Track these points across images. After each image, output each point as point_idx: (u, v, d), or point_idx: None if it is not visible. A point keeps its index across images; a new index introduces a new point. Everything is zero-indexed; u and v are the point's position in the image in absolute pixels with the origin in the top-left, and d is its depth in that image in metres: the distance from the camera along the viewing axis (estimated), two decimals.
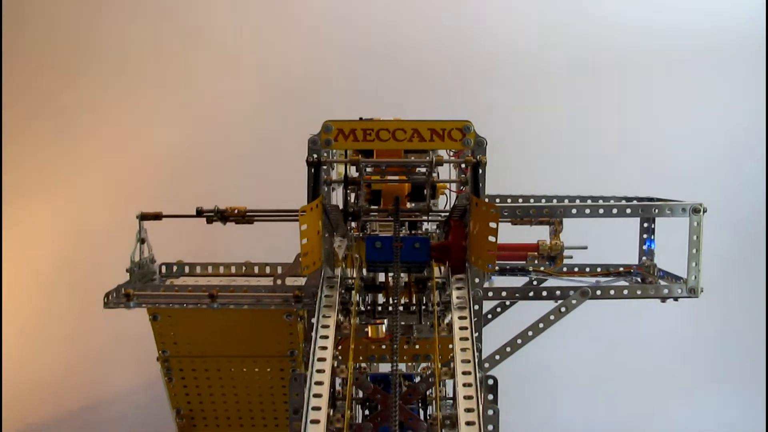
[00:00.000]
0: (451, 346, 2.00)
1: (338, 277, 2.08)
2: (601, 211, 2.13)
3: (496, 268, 1.96)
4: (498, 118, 4.23)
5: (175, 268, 2.59)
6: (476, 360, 1.78)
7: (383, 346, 2.23)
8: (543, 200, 2.60)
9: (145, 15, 4.43)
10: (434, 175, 2.25)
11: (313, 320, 1.93)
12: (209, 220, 2.35)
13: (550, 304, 2.18)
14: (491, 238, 1.86)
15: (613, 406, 4.42)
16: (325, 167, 2.07)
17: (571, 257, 2.30)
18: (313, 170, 2.01)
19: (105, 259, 3.69)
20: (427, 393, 2.37)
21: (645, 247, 2.47)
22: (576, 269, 2.55)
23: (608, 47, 4.42)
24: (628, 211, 2.14)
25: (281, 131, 4.24)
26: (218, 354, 2.39)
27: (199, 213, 2.35)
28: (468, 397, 1.69)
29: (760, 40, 4.39)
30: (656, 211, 2.14)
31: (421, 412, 2.63)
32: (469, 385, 1.73)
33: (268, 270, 2.61)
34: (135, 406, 4.38)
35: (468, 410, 1.67)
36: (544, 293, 2.17)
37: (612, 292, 2.17)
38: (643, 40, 4.42)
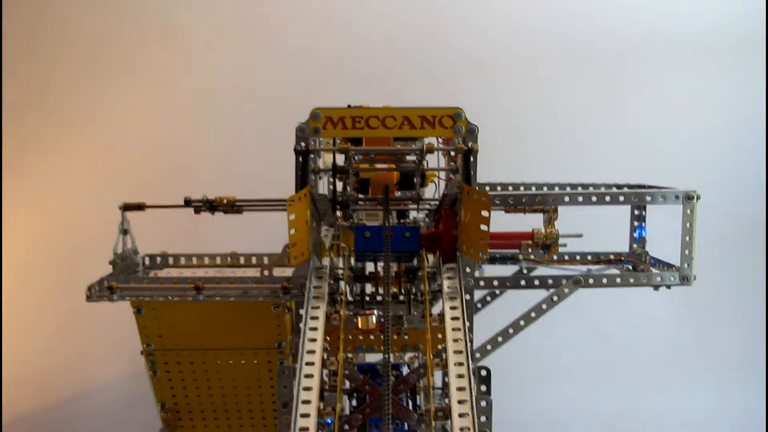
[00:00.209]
0: (440, 335, 1.98)
1: (327, 268, 2.05)
2: (593, 199, 2.11)
3: (488, 257, 1.92)
4: (488, 105, 4.18)
5: (158, 259, 2.55)
6: (469, 351, 1.75)
7: (372, 336, 2.20)
8: (533, 188, 2.57)
9: (128, 3, 4.35)
10: (423, 163, 2.22)
11: (302, 312, 1.89)
12: (197, 210, 2.31)
13: (542, 293, 2.16)
14: (483, 227, 1.83)
15: (602, 394, 4.42)
16: (312, 156, 2.02)
17: (565, 245, 2.27)
18: (301, 159, 1.97)
19: (88, 250, 3.64)
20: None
21: (636, 235, 2.46)
22: (566, 257, 2.52)
23: (600, 34, 4.37)
24: (621, 198, 2.13)
25: (268, 120, 4.17)
26: (204, 347, 2.34)
27: (188, 203, 2.30)
28: (461, 389, 1.67)
29: (754, 26, 4.37)
30: (649, 198, 2.12)
31: (410, 402, 2.61)
32: (462, 376, 1.70)
33: (254, 261, 2.57)
34: (119, 398, 4.33)
35: (461, 402, 1.64)
36: (536, 282, 2.15)
37: (604, 280, 2.15)
38: (636, 27, 4.38)
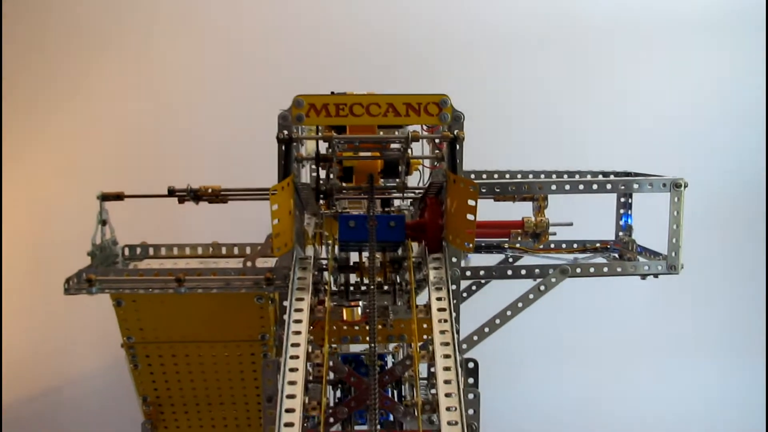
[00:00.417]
0: (425, 325, 1.95)
1: (311, 259, 2.01)
2: (581, 187, 2.08)
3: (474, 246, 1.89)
4: (472, 92, 4.15)
5: (138, 250, 2.49)
6: (456, 343, 1.72)
7: (356, 327, 2.16)
8: (519, 176, 2.55)
9: None
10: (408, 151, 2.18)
11: (286, 303, 1.86)
12: (181, 200, 2.25)
13: (528, 283, 2.13)
14: (470, 217, 1.80)
15: (580, 381, 4.43)
16: (295, 144, 1.98)
17: (554, 234, 2.25)
18: (284, 147, 1.93)
19: (66, 241, 3.57)
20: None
21: (622, 223, 2.44)
22: (552, 245, 2.50)
23: (589, 16, 4.35)
24: (609, 186, 2.10)
25: (249, 107, 4.11)
26: (186, 339, 2.30)
27: (171, 192, 2.25)
28: (448, 382, 1.64)
29: (752, 6, 4.35)
30: (637, 186, 2.10)
31: (395, 393, 2.59)
32: (449, 369, 1.68)
33: (236, 251, 2.53)
34: (100, 391, 4.28)
35: (448, 395, 1.61)
36: (523, 272, 2.13)
37: (592, 269, 2.13)
38: (622, 10, 4.35)
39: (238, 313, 2.24)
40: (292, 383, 1.65)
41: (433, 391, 1.90)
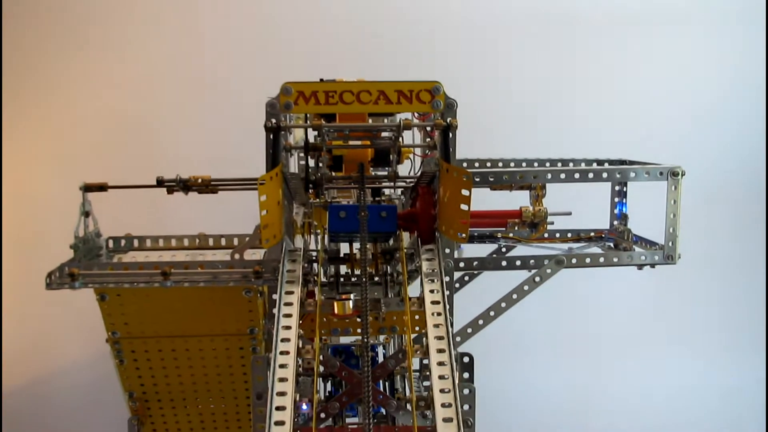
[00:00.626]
0: (417, 317, 1.90)
1: (300, 250, 1.96)
2: (576, 175, 2.04)
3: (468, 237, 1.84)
4: (466, 79, 4.09)
5: (123, 242, 2.43)
6: (450, 337, 1.68)
7: (347, 320, 2.11)
8: (513, 164, 2.50)
9: None
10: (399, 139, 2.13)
11: (275, 296, 1.80)
12: (170, 191, 2.19)
13: (523, 273, 2.09)
14: (463, 207, 1.75)
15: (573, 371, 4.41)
16: (283, 132, 1.92)
17: (552, 223, 2.20)
18: (272, 136, 1.87)
19: (49, 234, 3.51)
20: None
21: (617, 211, 2.40)
22: (546, 235, 2.45)
23: (585, 10, 4.30)
24: (605, 175, 2.06)
25: (237, 94, 4.04)
26: (173, 334, 2.25)
27: (160, 183, 2.18)
28: (443, 377, 1.59)
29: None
30: (633, 175, 2.06)
31: (386, 386, 2.55)
32: (444, 363, 1.63)
33: (223, 242, 2.47)
34: (85, 385, 4.22)
35: (443, 391, 1.57)
36: (518, 263, 2.09)
37: (588, 260, 2.10)
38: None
39: (226, 306, 2.18)
40: (282, 380, 1.60)
41: (426, 383, 1.86)
